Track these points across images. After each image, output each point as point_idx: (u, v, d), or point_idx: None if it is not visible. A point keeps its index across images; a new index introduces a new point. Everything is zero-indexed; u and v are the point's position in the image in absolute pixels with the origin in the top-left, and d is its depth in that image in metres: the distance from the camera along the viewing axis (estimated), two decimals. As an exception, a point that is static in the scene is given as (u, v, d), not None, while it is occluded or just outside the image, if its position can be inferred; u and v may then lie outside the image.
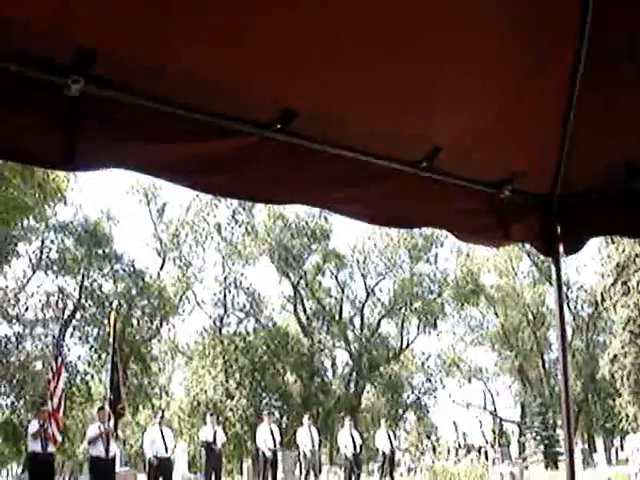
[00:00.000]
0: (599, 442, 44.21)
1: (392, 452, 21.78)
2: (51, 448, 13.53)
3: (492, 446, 38.45)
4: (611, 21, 2.53)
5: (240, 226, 43.88)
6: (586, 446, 44.13)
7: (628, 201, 3.03)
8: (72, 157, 1.95)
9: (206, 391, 41.37)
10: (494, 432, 52.92)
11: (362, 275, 49.06)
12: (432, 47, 2.43)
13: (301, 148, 2.44)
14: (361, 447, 21.82)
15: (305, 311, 48.53)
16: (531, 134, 2.93)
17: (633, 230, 3.33)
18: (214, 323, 44.62)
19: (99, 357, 36.20)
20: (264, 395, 44.25)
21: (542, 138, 2.95)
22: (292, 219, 45.67)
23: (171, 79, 2.11)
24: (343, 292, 49.30)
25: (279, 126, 2.34)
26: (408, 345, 51.66)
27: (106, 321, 32.14)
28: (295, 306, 47.99)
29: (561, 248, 3.25)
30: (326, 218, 46.36)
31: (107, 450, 13.10)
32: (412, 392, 53.29)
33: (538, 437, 44.74)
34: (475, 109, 2.71)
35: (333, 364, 50.34)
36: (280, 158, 2.40)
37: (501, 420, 55.14)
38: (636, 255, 36.86)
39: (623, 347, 38.36)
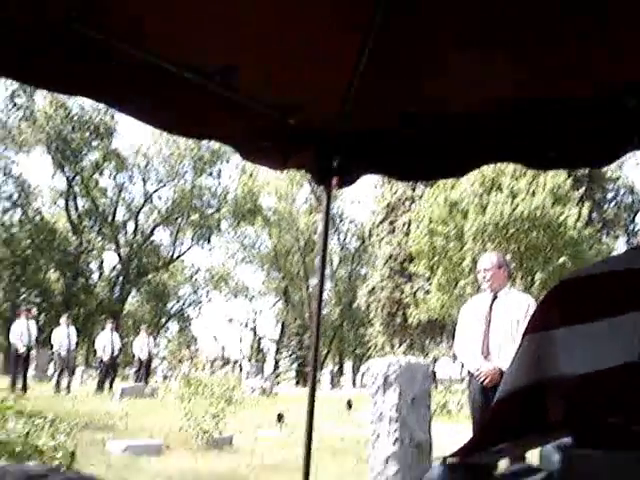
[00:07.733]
0: (348, 366, 47.49)
1: (149, 359, 22.01)
2: None
3: (249, 360, 39.89)
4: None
5: (18, 109, 41.13)
6: (336, 369, 47.20)
7: (399, 147, 3.29)
8: None
9: (-41, 281, 39.06)
10: (252, 348, 54.96)
11: (142, 180, 48.11)
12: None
13: (93, 43, 2.38)
14: (119, 351, 21.82)
15: (77, 209, 46.86)
16: (324, 70, 3.03)
17: (400, 173, 3.61)
18: (-24, 209, 41.96)
19: None
20: (23, 290, 42.56)
21: (333, 76, 3.06)
22: (76, 111, 43.48)
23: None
24: (120, 194, 48.12)
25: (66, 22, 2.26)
26: (179, 256, 51.74)
27: None
28: (67, 202, 46.19)
29: (334, 181, 3.45)
30: (112, 116, 44.64)
31: None
32: (177, 302, 53.74)
33: (293, 356, 47.15)
34: (276, 34, 2.75)
35: (100, 266, 49.34)
36: (70, 51, 2.33)
37: (260, 337, 57.29)
38: (406, 198, 39.26)
39: (382, 281, 41.07)
